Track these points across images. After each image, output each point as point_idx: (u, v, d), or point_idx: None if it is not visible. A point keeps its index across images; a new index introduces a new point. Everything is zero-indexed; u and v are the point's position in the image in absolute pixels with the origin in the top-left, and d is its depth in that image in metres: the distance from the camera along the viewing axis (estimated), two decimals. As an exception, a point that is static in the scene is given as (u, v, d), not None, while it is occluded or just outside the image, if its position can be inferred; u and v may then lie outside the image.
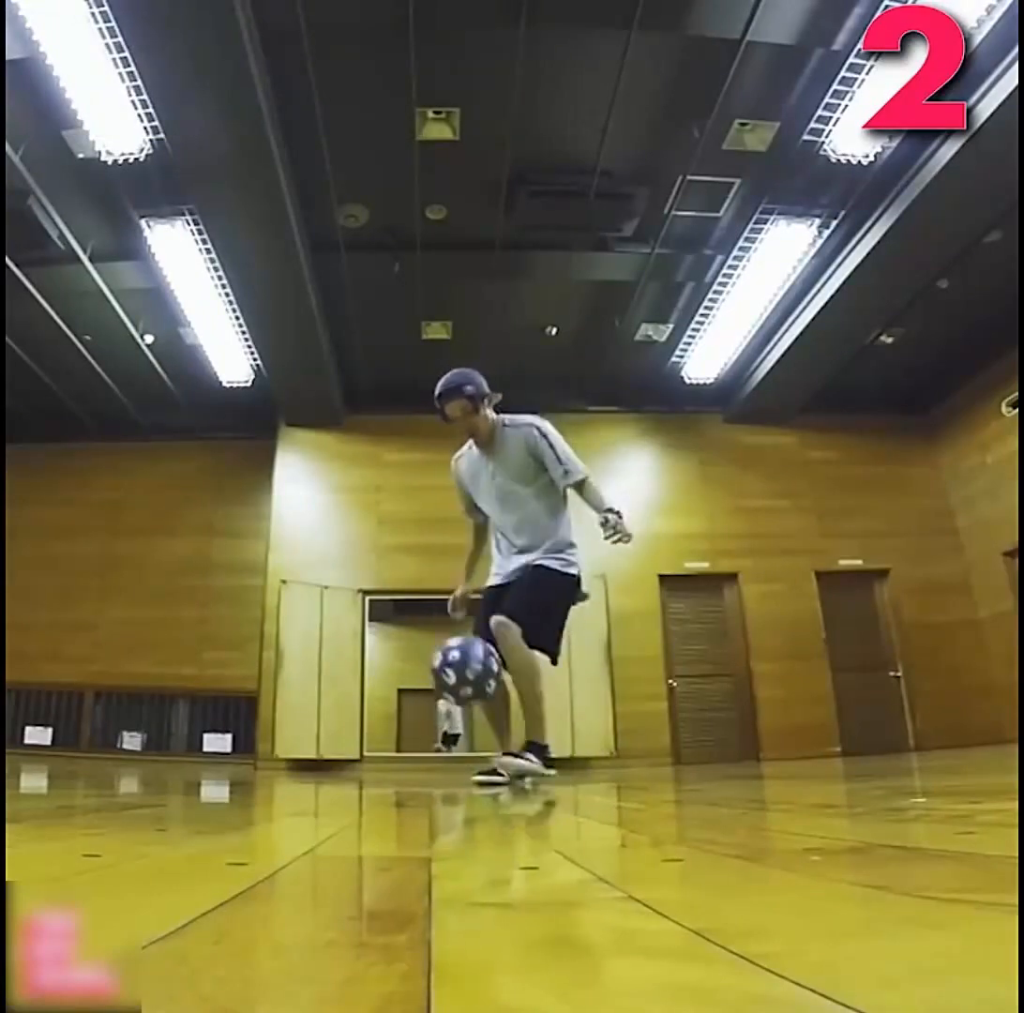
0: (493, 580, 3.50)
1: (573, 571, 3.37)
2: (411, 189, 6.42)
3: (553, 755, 3.29)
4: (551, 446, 3.35)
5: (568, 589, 3.37)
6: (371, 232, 7.03)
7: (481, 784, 3.20)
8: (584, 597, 3.43)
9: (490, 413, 3.43)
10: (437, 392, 3.39)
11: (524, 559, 3.38)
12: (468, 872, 1.03)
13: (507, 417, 3.47)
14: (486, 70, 5.53)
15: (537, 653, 3.25)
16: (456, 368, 3.50)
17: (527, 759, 3.19)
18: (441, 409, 3.40)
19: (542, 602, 3.30)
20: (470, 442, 3.53)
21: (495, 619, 3.23)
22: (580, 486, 3.34)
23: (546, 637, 3.28)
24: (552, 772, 3.27)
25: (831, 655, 8.75)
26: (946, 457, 9.46)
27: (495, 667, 3.17)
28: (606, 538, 3.20)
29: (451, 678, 3.12)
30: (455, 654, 3.15)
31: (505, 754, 3.26)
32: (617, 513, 3.23)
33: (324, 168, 6.15)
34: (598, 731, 8.08)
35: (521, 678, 3.24)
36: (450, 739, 10.90)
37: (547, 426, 3.42)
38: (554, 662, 3.32)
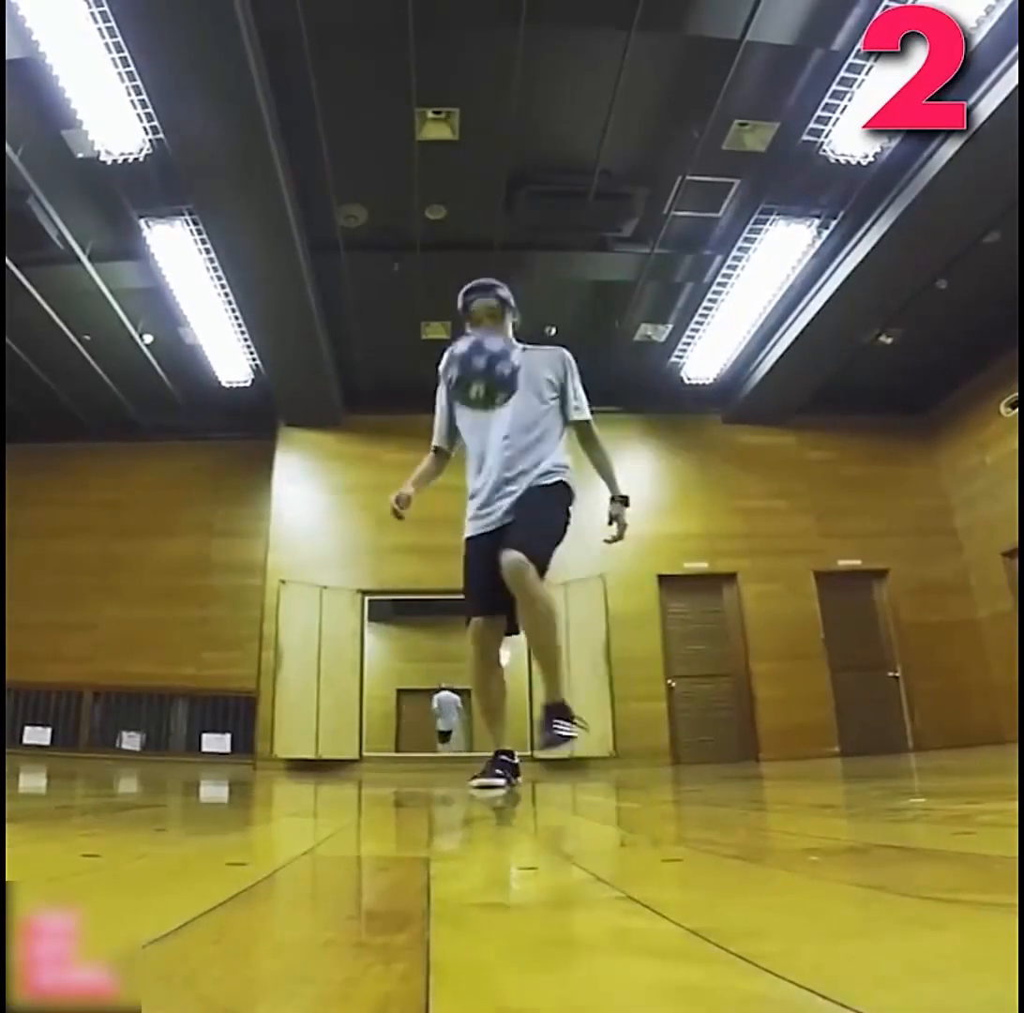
0: (479, 527, 3.10)
1: (566, 478, 3.12)
2: (411, 189, 6.42)
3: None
4: (574, 376, 3.25)
5: (566, 497, 3.10)
6: (371, 232, 7.03)
7: (481, 787, 2.98)
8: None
9: (510, 329, 3.26)
10: (468, 287, 3.22)
11: (515, 488, 3.06)
12: (467, 872, 1.03)
13: (528, 344, 3.31)
14: (486, 70, 5.53)
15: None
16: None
17: (575, 724, 2.94)
18: (466, 307, 3.20)
19: (552, 523, 3.01)
20: (470, 333, 3.15)
21: (509, 555, 2.82)
22: (586, 429, 3.22)
23: (548, 557, 2.96)
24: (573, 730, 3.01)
25: (830, 655, 8.76)
26: (945, 457, 9.47)
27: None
28: (610, 538, 3.11)
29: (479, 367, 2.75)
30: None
31: (550, 724, 2.92)
32: (627, 502, 3.14)
33: (324, 168, 6.15)
34: (597, 731, 8.07)
35: (545, 628, 2.93)
36: (442, 736, 10.90)
37: (573, 360, 3.31)
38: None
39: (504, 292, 3.23)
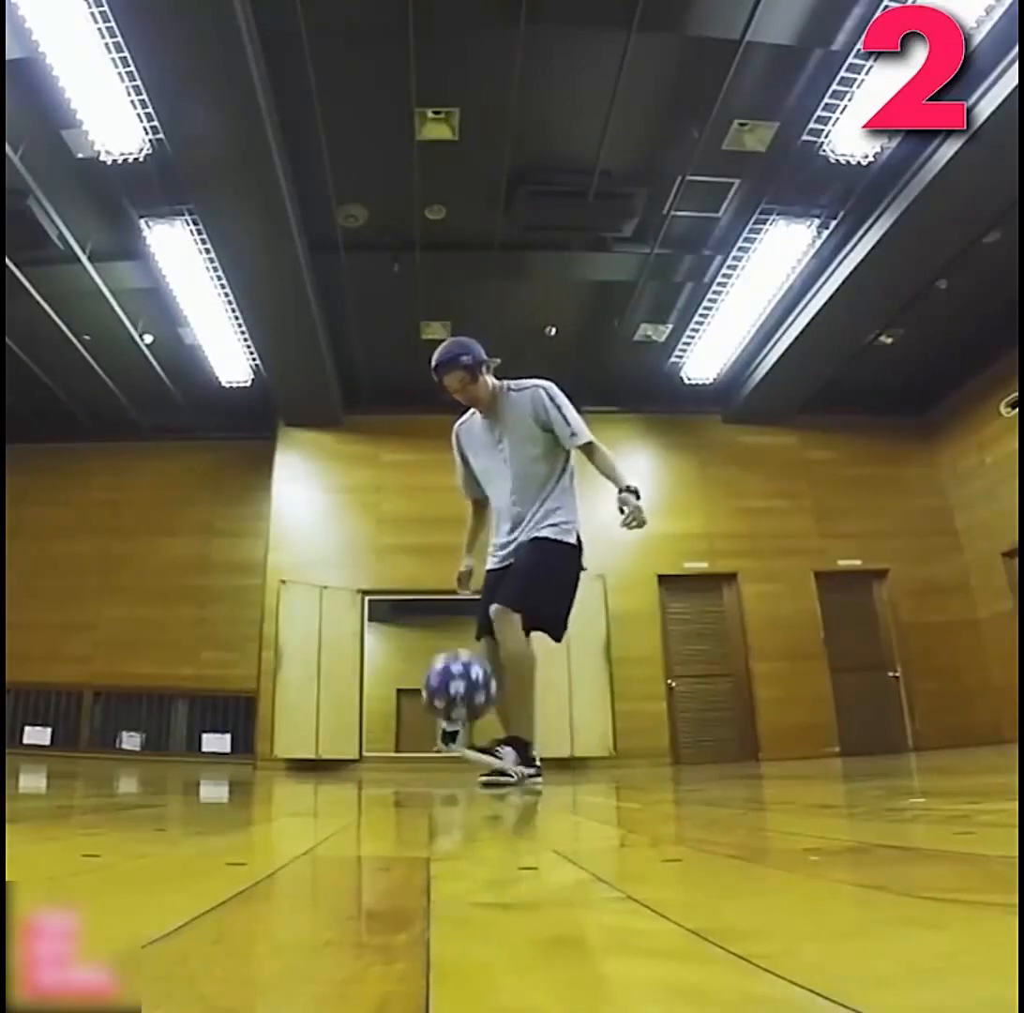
0: (491, 563, 3.37)
1: (571, 539, 3.25)
2: (411, 189, 6.42)
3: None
4: (558, 407, 3.28)
5: (570, 558, 3.24)
6: (371, 232, 7.03)
7: (486, 785, 3.02)
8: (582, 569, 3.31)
9: (490, 379, 3.36)
10: (433, 364, 3.31)
11: (521, 534, 3.25)
12: (467, 872, 1.03)
13: (512, 382, 3.40)
14: (486, 70, 5.53)
15: (537, 636, 3.15)
16: (450, 338, 3.43)
17: (497, 754, 3.03)
18: (438, 381, 3.31)
19: (542, 579, 3.17)
20: (472, 411, 3.46)
21: (493, 608, 3.11)
22: (589, 449, 3.27)
23: (548, 616, 3.17)
24: (531, 772, 3.07)
25: (830, 655, 8.75)
26: (945, 457, 9.47)
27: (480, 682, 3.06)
28: (622, 524, 3.14)
29: (441, 705, 3.06)
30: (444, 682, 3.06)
31: (476, 746, 3.12)
32: (635, 492, 3.17)
33: (324, 168, 6.14)
34: (597, 731, 8.07)
35: (513, 673, 3.12)
36: (448, 736, 10.90)
37: (554, 388, 3.35)
38: (558, 639, 3.22)
39: (467, 358, 3.30)
